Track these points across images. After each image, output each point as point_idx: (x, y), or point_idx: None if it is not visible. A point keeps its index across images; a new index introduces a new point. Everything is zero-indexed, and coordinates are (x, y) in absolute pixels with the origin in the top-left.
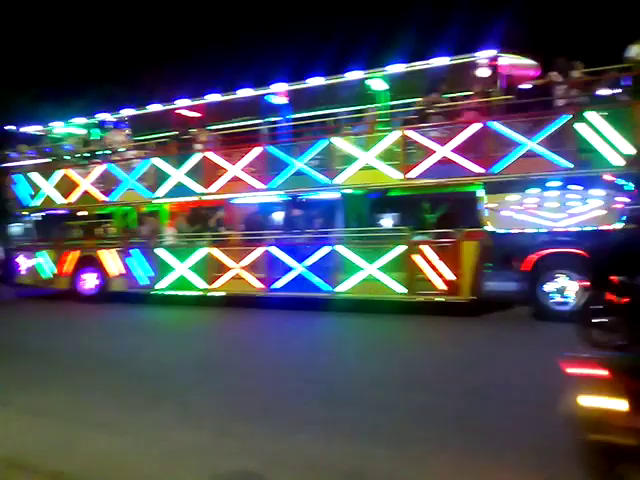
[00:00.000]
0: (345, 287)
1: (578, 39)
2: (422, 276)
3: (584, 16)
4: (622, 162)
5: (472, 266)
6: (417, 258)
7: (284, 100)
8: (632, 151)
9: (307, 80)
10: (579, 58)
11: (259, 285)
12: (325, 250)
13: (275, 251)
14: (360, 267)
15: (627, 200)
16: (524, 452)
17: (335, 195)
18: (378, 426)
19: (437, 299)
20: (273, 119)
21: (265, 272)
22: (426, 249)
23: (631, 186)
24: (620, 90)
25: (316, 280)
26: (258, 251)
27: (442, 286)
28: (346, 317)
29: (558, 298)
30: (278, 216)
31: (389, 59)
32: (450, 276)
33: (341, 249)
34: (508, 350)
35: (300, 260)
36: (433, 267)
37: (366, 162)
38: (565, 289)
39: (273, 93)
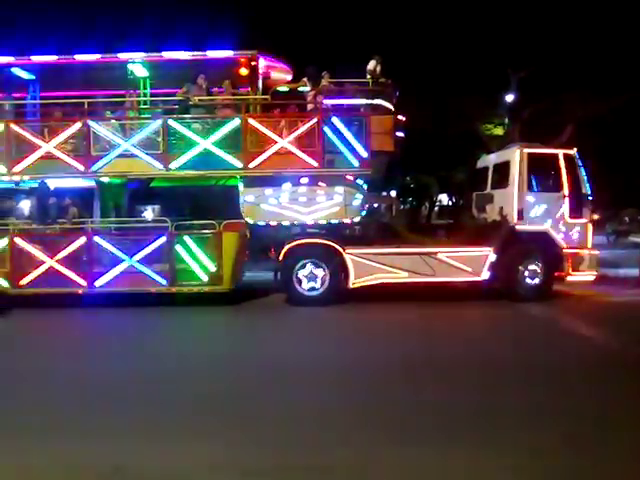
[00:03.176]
0: (104, 281)
1: (330, 51)
2: (184, 267)
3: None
4: (358, 164)
5: (232, 257)
6: (179, 249)
7: (32, 76)
8: (366, 155)
9: (59, 56)
10: (329, 68)
11: (3, 283)
12: (81, 242)
13: (22, 243)
14: (120, 259)
15: (363, 197)
16: None
17: (90, 183)
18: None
19: (199, 290)
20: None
21: (11, 267)
22: (187, 240)
23: (365, 185)
24: (362, 100)
25: (72, 274)
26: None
27: (204, 277)
28: (100, 313)
29: (308, 285)
30: (25, 204)
31: (153, 46)
32: (212, 267)
33: (99, 241)
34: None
35: (52, 253)
36: (195, 258)
37: (125, 149)
38: (314, 276)
39: (18, 65)
